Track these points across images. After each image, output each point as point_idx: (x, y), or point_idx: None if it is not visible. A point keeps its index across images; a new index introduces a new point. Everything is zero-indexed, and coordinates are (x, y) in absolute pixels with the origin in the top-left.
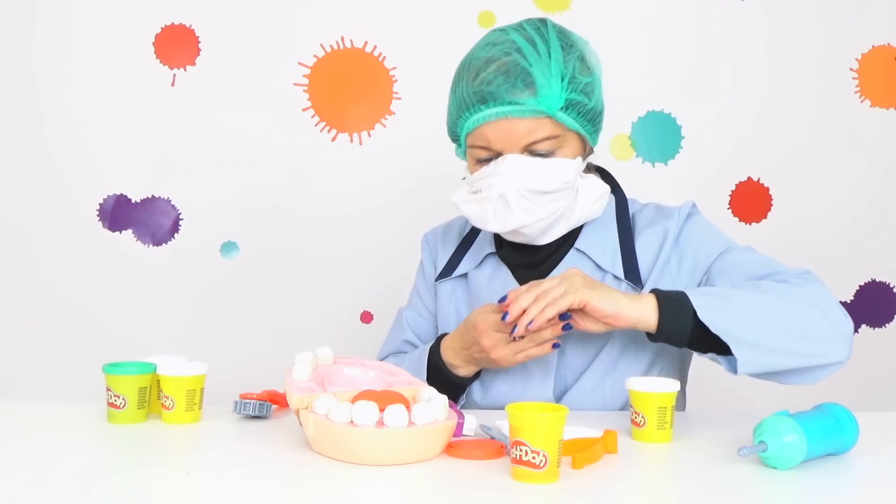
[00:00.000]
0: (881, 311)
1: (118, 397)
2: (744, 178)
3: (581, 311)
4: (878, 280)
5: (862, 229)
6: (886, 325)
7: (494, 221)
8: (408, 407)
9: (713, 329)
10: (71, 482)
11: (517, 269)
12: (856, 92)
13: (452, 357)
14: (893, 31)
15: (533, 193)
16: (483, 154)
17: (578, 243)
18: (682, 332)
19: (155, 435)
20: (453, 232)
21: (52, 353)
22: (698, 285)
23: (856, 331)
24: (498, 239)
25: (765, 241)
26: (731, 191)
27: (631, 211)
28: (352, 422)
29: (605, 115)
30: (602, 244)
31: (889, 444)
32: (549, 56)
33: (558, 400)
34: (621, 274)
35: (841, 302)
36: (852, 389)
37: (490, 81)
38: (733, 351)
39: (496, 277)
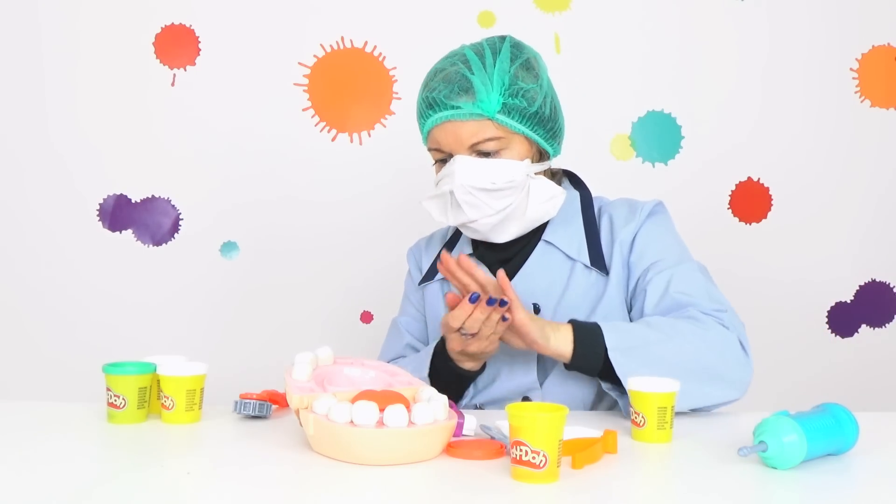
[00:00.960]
0: (881, 311)
1: (118, 397)
2: (744, 178)
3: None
4: (878, 280)
5: (862, 229)
6: (886, 325)
7: (447, 216)
8: (408, 407)
9: (618, 370)
10: (71, 482)
11: (492, 266)
12: (856, 92)
13: (457, 353)
14: (893, 31)
15: (478, 191)
16: (438, 155)
17: (546, 235)
18: (594, 365)
19: (155, 435)
20: (436, 239)
21: (53, 353)
22: (631, 288)
23: (856, 331)
24: (474, 240)
25: (765, 241)
26: (731, 191)
27: (597, 206)
28: (352, 422)
29: (605, 115)
30: (568, 236)
31: (889, 444)
32: (494, 66)
33: (542, 384)
34: (588, 262)
35: (841, 302)
36: (852, 389)
37: (434, 88)
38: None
39: None
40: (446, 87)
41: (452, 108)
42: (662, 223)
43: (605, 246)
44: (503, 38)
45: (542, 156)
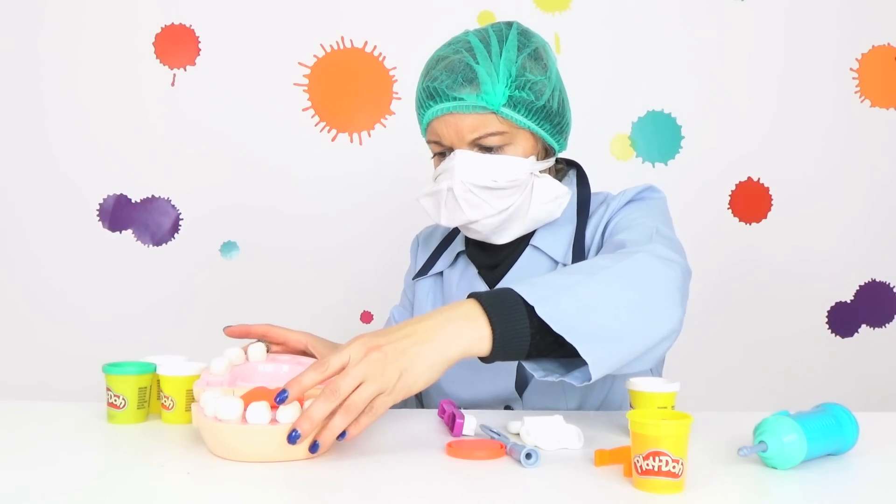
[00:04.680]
0: (881, 311)
1: (118, 397)
2: (744, 178)
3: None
4: (878, 280)
5: (862, 229)
6: (886, 325)
7: (444, 215)
8: (301, 404)
9: (553, 325)
10: (71, 482)
11: (481, 268)
12: (856, 92)
13: None
14: (893, 31)
15: (480, 189)
16: (437, 149)
17: (534, 240)
18: (521, 343)
19: (155, 435)
20: (437, 233)
21: (52, 353)
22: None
23: (856, 331)
24: (467, 238)
25: (765, 241)
26: (731, 191)
27: (600, 200)
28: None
29: (605, 115)
30: (556, 239)
31: (889, 444)
32: (500, 55)
33: (521, 393)
34: (570, 262)
35: (841, 302)
36: (852, 389)
37: (435, 77)
38: (581, 352)
39: (465, 276)
40: (449, 77)
41: (454, 99)
42: (646, 206)
43: (587, 241)
44: (510, 25)
45: (547, 152)
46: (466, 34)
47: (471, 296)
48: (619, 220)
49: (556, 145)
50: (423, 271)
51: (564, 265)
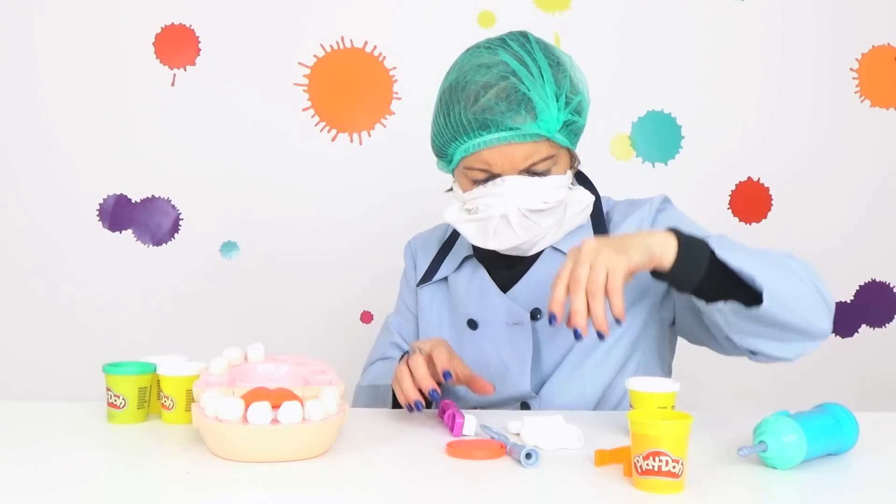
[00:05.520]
0: (881, 311)
1: (118, 397)
2: (744, 178)
3: None
4: (878, 280)
5: (862, 229)
6: (886, 325)
7: (494, 240)
8: (302, 404)
9: (737, 263)
10: (71, 482)
11: (494, 269)
12: (856, 92)
13: None
14: (893, 31)
15: (533, 213)
16: (481, 176)
17: (554, 241)
18: (696, 273)
19: (155, 435)
20: (434, 238)
21: (53, 353)
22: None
23: (856, 331)
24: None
25: (765, 241)
26: (731, 191)
27: (605, 208)
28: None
29: (605, 115)
30: (573, 239)
31: (889, 444)
32: (542, 77)
33: (537, 392)
34: None
35: (841, 302)
36: (852, 389)
37: (492, 108)
38: (758, 280)
39: (474, 279)
40: (508, 108)
41: (513, 129)
42: (677, 211)
43: None
44: (525, 36)
45: (574, 164)
46: (495, 52)
47: (670, 230)
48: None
49: (577, 156)
50: (427, 277)
51: None
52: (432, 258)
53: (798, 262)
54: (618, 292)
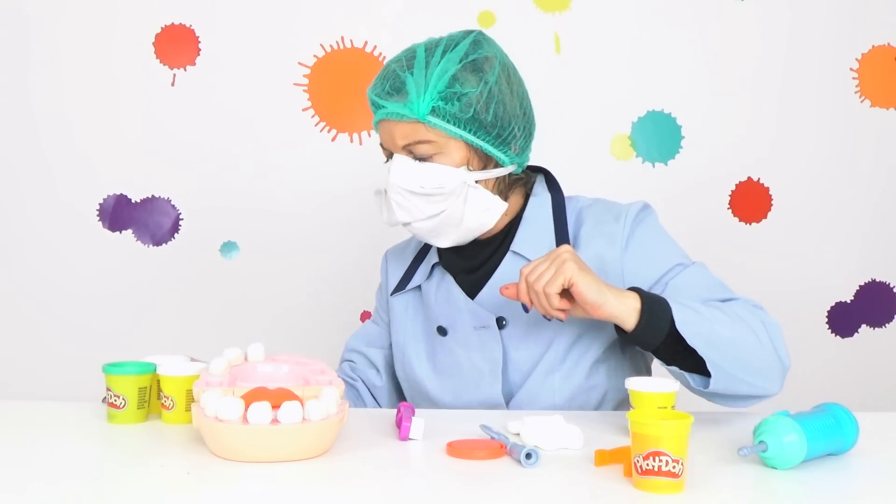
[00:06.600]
0: (881, 311)
1: (118, 397)
2: (744, 178)
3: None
4: (878, 280)
5: (862, 229)
6: (886, 325)
7: (385, 215)
8: (302, 404)
9: (693, 343)
10: (71, 482)
11: (458, 274)
12: (856, 92)
13: None
14: (893, 31)
15: (409, 193)
16: (386, 153)
17: (514, 246)
18: (655, 339)
19: (155, 435)
20: (410, 247)
21: (52, 353)
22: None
23: (856, 331)
24: (439, 249)
25: (765, 241)
26: (731, 191)
27: (578, 206)
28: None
29: (605, 114)
30: (538, 245)
31: (889, 444)
32: (438, 64)
33: (507, 400)
34: None
35: (841, 302)
36: (852, 389)
37: (374, 85)
38: (709, 367)
39: (441, 285)
40: (381, 86)
41: (383, 107)
42: (653, 228)
43: (581, 251)
44: (469, 34)
45: (489, 163)
46: (419, 43)
47: (633, 289)
48: (646, 256)
49: (502, 157)
50: (401, 286)
51: None
52: (406, 267)
53: (763, 323)
54: (551, 296)
